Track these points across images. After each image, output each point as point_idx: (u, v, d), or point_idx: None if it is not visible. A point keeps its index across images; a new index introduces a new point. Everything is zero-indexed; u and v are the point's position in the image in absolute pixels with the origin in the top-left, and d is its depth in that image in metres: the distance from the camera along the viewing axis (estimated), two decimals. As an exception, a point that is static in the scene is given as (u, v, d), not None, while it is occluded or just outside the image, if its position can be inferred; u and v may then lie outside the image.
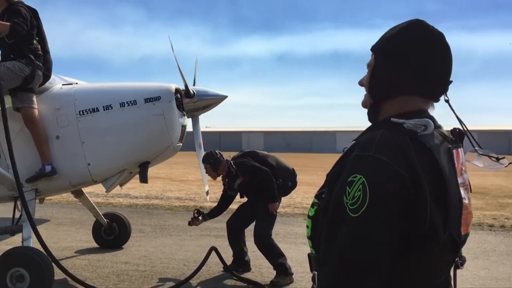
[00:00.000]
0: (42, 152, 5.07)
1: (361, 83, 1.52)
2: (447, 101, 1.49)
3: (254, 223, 5.68)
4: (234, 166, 5.64)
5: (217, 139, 63.20)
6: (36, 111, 5.06)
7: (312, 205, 1.43)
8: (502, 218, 9.67)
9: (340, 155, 1.46)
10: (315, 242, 1.42)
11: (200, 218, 5.93)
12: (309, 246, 1.47)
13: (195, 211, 6.00)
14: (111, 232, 6.97)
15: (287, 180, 5.69)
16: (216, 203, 6.29)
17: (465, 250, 6.11)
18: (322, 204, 1.38)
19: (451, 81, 1.46)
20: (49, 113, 5.20)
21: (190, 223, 6.01)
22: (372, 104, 1.48)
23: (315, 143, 58.59)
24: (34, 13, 5.12)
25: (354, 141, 1.44)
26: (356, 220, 1.22)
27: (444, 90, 1.47)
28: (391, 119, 1.37)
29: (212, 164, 5.72)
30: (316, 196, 1.43)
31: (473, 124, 59.58)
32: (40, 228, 8.81)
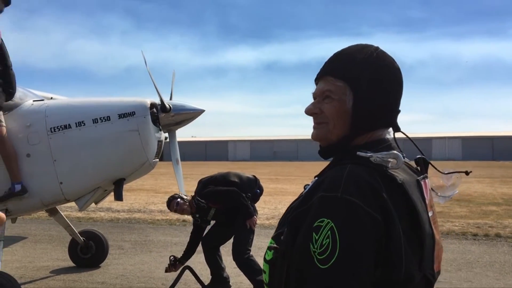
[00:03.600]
0: (11, 170, 4.89)
1: (313, 113, 1.35)
2: (398, 130, 1.38)
3: (231, 240, 5.55)
4: (202, 200, 5.42)
5: (203, 148, 62.99)
6: (4, 129, 4.89)
7: (269, 248, 1.27)
8: (486, 226, 9.67)
9: (327, 163, 1.34)
10: None
11: (177, 263, 5.51)
12: None
13: (171, 257, 5.55)
14: (88, 251, 6.77)
15: (254, 189, 5.63)
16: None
17: (448, 262, 6.04)
18: (282, 248, 1.23)
19: (400, 110, 1.39)
20: (20, 130, 5.03)
21: (167, 270, 5.54)
22: (345, 137, 1.31)
23: (301, 151, 58.63)
24: None
25: (316, 178, 1.32)
26: (326, 272, 1.09)
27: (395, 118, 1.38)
28: (357, 152, 1.24)
29: (183, 202, 5.44)
30: (274, 238, 1.28)
31: (457, 130, 60.37)
32: (16, 246, 8.61)
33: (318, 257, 1.10)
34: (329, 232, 1.11)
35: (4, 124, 4.91)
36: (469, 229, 9.37)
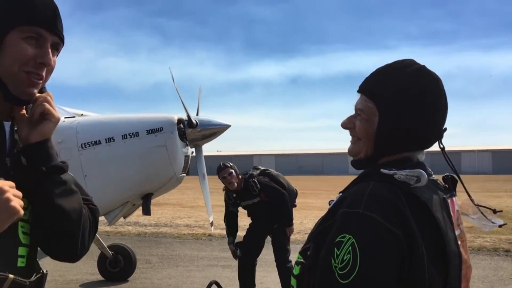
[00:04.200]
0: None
1: (347, 127, 1.38)
2: (442, 149, 1.37)
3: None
4: (258, 185, 5.49)
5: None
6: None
7: (297, 263, 1.29)
8: (518, 242, 9.38)
9: (352, 177, 1.35)
10: None
11: (236, 250, 5.79)
12: None
13: (234, 244, 5.81)
14: (116, 265, 6.87)
15: (293, 202, 5.78)
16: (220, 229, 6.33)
17: (480, 279, 5.90)
18: (308, 263, 1.25)
19: (445, 129, 1.34)
20: (52, 147, 5.19)
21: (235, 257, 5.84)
22: (370, 157, 1.33)
23: (327, 165, 58.20)
24: None
25: (341, 194, 1.33)
26: (346, 287, 1.10)
27: (439, 138, 1.35)
28: (381, 170, 1.25)
29: (236, 172, 5.57)
30: (301, 253, 1.30)
31: (487, 143, 58.95)
32: (47, 260, 8.78)
33: (339, 272, 1.12)
34: (350, 247, 1.12)
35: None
36: (501, 245, 9.11)
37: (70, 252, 1.29)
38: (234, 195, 5.54)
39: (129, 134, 5.12)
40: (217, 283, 5.56)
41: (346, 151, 1.42)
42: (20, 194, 1.08)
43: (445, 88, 1.34)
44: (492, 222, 1.38)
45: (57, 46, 1.27)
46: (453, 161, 1.42)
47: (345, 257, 1.12)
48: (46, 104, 1.24)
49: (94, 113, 7.20)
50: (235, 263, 7.82)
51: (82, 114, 6.43)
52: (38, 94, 1.26)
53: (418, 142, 1.32)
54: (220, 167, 5.55)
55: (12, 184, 1.08)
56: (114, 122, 5.39)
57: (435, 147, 1.40)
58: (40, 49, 1.21)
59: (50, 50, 1.22)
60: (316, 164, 59.21)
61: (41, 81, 1.24)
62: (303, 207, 16.20)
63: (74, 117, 5.66)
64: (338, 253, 1.13)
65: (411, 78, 1.28)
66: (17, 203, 1.05)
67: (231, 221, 5.93)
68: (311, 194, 22.39)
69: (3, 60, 1.18)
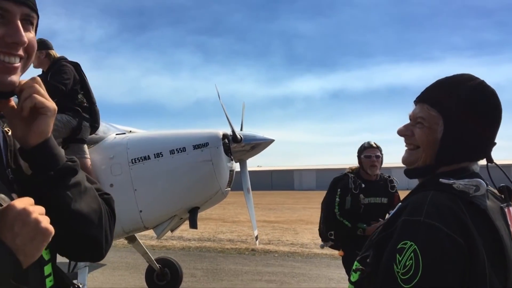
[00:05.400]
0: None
1: (404, 135, 1.42)
2: (491, 161, 1.40)
3: None
4: (395, 181, 4.69)
5: (269, 177, 63.23)
6: (89, 161, 5.27)
7: (355, 270, 1.34)
8: None
9: (406, 192, 1.39)
10: None
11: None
12: None
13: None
14: (164, 278, 7.02)
15: None
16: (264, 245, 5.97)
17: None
18: (367, 270, 1.30)
19: (496, 143, 1.39)
20: (104, 162, 5.41)
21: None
22: (430, 166, 1.37)
23: (369, 180, 57.06)
24: (76, 67, 5.25)
25: (401, 203, 1.38)
26: None
27: (491, 150, 1.39)
28: (440, 179, 1.29)
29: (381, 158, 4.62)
30: (359, 260, 1.36)
31: (537, 158, 56.30)
32: (96, 273, 9.07)
33: (402, 277, 1.15)
34: (412, 254, 1.16)
35: (88, 156, 5.30)
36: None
37: (95, 254, 1.20)
38: (363, 185, 4.50)
39: (176, 150, 5.27)
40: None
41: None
42: (42, 209, 0.95)
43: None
44: None
45: (31, 19, 1.06)
46: (497, 176, 1.45)
47: (407, 263, 1.16)
48: (37, 96, 1.05)
49: (141, 129, 7.46)
50: (278, 278, 7.86)
51: (131, 131, 6.67)
52: (22, 81, 1.07)
53: (476, 153, 1.36)
54: (365, 145, 4.65)
55: (32, 201, 0.95)
56: (162, 138, 5.56)
57: (483, 161, 1.42)
58: (7, 26, 1.01)
59: (20, 26, 1.02)
60: (357, 179, 58.21)
61: (19, 65, 1.05)
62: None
63: (124, 133, 5.89)
64: (400, 259, 1.17)
65: (475, 91, 1.34)
66: (46, 222, 0.93)
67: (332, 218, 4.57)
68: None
69: None
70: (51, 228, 0.93)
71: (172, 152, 5.27)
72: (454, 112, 1.33)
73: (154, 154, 5.28)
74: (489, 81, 1.38)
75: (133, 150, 5.37)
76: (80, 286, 1.17)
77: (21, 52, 1.04)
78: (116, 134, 5.77)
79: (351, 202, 4.50)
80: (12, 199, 0.99)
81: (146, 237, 11.15)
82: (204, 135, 5.38)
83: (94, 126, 5.51)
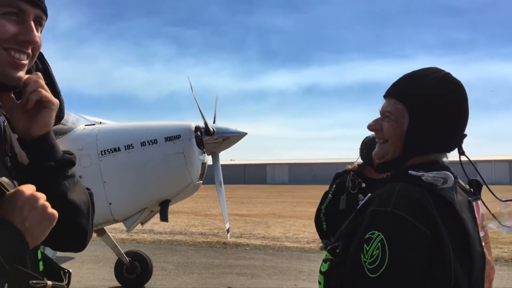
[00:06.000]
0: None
1: (374, 129, 1.44)
2: (463, 153, 1.42)
3: None
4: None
5: (241, 171, 63.27)
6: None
7: (325, 260, 1.36)
8: (537, 253, 9.24)
9: None
10: None
11: None
12: None
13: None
14: (133, 271, 6.94)
15: None
16: (237, 238, 5.95)
17: (498, 291, 5.64)
18: (337, 260, 1.31)
19: (466, 135, 1.41)
20: (72, 153, 5.29)
21: None
22: (398, 158, 1.39)
23: (340, 175, 57.71)
24: (39, 57, 5.14)
25: (370, 195, 1.39)
26: (375, 281, 1.16)
27: (461, 142, 1.41)
28: (409, 171, 1.31)
29: None
30: (329, 251, 1.37)
31: (505, 153, 58.03)
32: (63, 266, 8.89)
33: (369, 266, 1.17)
34: (379, 243, 1.18)
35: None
36: (519, 255, 8.98)
37: (79, 245, 1.23)
38: (364, 184, 4.01)
39: (147, 141, 5.20)
40: (231, 290, 5.35)
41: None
42: (44, 196, 1.00)
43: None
44: (509, 225, 1.42)
45: (40, 20, 1.12)
46: (469, 171, 1.47)
47: (374, 253, 1.17)
48: (42, 91, 1.12)
49: (111, 121, 7.33)
50: (249, 270, 7.89)
51: (101, 122, 6.55)
52: (26, 76, 1.13)
53: (443, 145, 1.38)
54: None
55: (34, 187, 1.00)
56: (133, 129, 5.48)
57: (454, 156, 1.44)
58: (22, 26, 1.06)
59: (33, 26, 1.08)
60: (330, 174, 58.71)
61: (27, 62, 1.11)
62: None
63: (94, 124, 5.77)
64: (367, 248, 1.19)
65: (439, 83, 1.36)
66: (50, 207, 0.99)
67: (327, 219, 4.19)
68: (325, 204, 22.30)
69: None
70: (56, 214, 0.99)
71: (143, 144, 5.20)
72: (418, 104, 1.35)
73: (125, 146, 5.20)
74: (460, 79, 1.40)
75: (103, 141, 5.27)
76: (70, 271, 1.17)
77: (29, 50, 1.10)
78: (86, 125, 5.65)
79: (346, 201, 3.99)
80: (14, 184, 1.03)
81: (116, 230, 11.00)
82: (176, 127, 5.32)
83: (59, 116, 5.34)
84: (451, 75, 1.39)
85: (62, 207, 1.08)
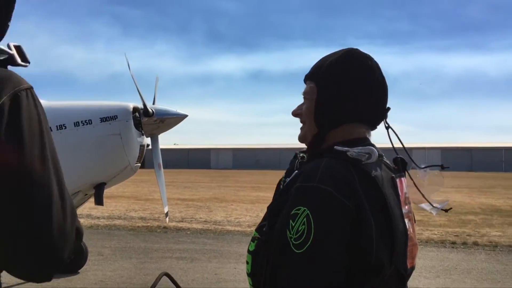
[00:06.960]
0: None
1: (296, 114, 1.45)
2: (388, 127, 1.44)
3: None
4: None
5: (185, 156, 62.74)
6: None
7: (253, 239, 1.34)
8: (464, 235, 9.82)
9: None
10: (255, 280, 1.32)
11: None
12: (249, 284, 1.37)
13: None
14: (67, 256, 6.67)
15: None
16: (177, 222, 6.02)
17: (426, 269, 6.11)
18: (263, 238, 1.29)
19: (389, 108, 1.42)
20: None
21: None
22: (316, 135, 1.40)
23: (284, 160, 58.77)
24: None
25: (296, 172, 1.37)
26: (301, 256, 1.14)
27: (382, 117, 1.42)
28: (335, 147, 1.31)
29: None
30: (257, 230, 1.35)
31: (437, 141, 61.21)
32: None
33: (294, 242, 1.16)
34: (304, 219, 1.16)
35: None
36: (447, 237, 9.50)
37: None
38: None
39: (81, 122, 4.98)
40: (168, 275, 5.53)
41: (303, 146, 1.48)
42: None
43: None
44: (437, 207, 1.46)
45: None
46: (403, 158, 1.50)
47: (299, 228, 1.16)
48: None
49: (44, 100, 6.95)
50: (189, 254, 7.84)
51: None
52: None
53: (357, 114, 1.38)
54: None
55: None
56: (66, 108, 5.22)
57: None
58: None
59: None
60: (273, 159, 59.68)
61: None
62: (259, 201, 16.30)
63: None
64: (293, 224, 1.17)
65: (342, 56, 1.41)
66: None
67: None
68: (267, 188, 22.55)
69: None
70: None
71: (76, 124, 4.97)
72: (323, 78, 1.38)
73: (57, 126, 4.94)
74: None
75: (33, 120, 4.98)
76: None
77: None
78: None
79: None
80: None
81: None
82: (113, 108, 5.13)
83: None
84: (358, 50, 1.43)
85: None
